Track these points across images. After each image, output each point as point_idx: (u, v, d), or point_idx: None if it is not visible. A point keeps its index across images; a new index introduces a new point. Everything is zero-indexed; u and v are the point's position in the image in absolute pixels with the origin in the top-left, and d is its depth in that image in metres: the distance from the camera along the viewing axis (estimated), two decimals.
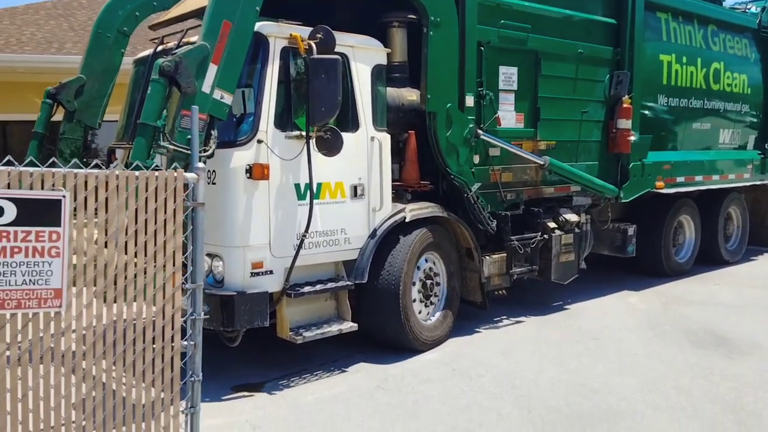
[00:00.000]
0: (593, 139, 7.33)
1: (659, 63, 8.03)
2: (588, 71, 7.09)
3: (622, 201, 7.61)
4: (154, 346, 3.18)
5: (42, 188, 2.87)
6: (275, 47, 4.82)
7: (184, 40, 5.23)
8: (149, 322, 3.16)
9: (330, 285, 5.16)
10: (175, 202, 3.19)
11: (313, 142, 4.77)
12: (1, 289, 2.80)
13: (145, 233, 3.13)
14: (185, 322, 3.31)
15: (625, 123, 7.32)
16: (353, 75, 5.27)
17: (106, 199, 3.01)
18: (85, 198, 2.96)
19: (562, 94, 6.87)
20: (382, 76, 5.51)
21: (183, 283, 3.28)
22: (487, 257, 6.14)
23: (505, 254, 6.33)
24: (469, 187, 5.90)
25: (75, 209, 2.95)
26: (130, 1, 5.07)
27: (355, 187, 5.27)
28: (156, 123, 4.30)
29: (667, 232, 8.49)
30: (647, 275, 8.45)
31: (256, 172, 4.66)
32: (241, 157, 4.66)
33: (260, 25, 4.77)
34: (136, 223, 3.09)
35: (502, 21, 6.18)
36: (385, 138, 5.47)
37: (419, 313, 5.65)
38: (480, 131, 6.02)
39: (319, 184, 5.02)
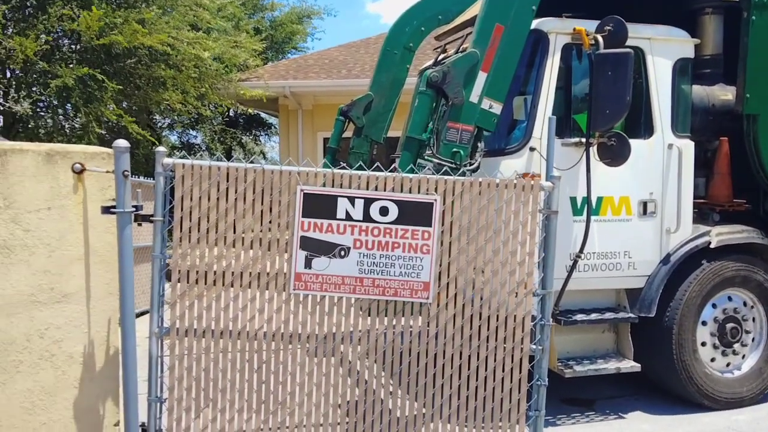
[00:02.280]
0: None
1: None
2: None
3: None
4: (504, 345, 3.33)
5: (418, 192, 3.27)
6: (556, 44, 4.47)
7: (463, 46, 5.00)
8: (501, 322, 3.32)
9: (608, 315, 4.58)
10: (530, 209, 3.30)
11: (594, 149, 4.27)
12: (383, 278, 3.27)
13: (500, 237, 3.31)
14: (534, 326, 3.39)
15: None
16: (649, 71, 4.64)
17: (467, 202, 3.28)
18: (452, 202, 3.27)
19: None
20: (686, 72, 4.76)
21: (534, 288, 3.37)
22: None
23: None
24: None
25: (443, 212, 3.28)
26: (417, 16, 5.00)
27: (645, 204, 4.61)
28: (421, 136, 4.23)
29: None
30: None
31: None
32: (511, 165, 4.30)
33: (540, 22, 4.45)
34: (492, 227, 3.30)
35: None
36: (687, 146, 4.71)
37: (712, 361, 4.73)
38: None
39: (600, 198, 4.51)
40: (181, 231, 3.19)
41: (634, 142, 4.30)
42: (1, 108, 10.11)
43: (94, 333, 3.24)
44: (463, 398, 3.32)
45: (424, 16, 4.97)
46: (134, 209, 3.15)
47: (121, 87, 10.02)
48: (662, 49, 4.69)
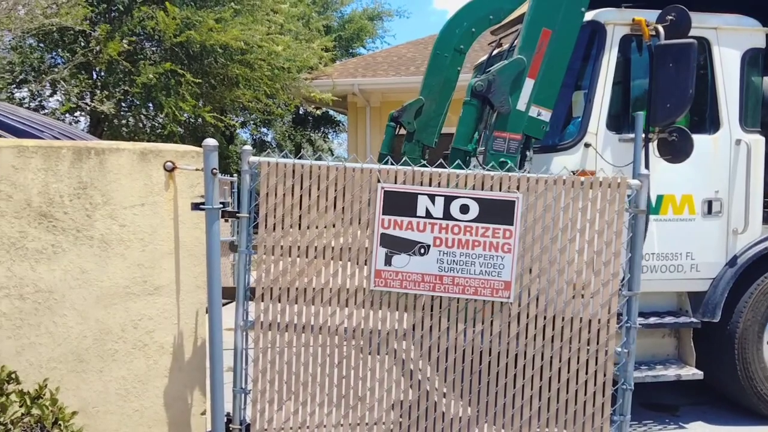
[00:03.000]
0: None
1: None
2: None
3: None
4: (588, 347, 3.25)
5: (500, 190, 3.22)
6: (613, 36, 4.30)
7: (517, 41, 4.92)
8: (585, 324, 3.24)
9: (668, 320, 4.38)
10: (616, 207, 3.20)
11: (654, 145, 4.08)
12: (463, 277, 3.25)
13: (585, 237, 3.23)
14: (620, 328, 3.29)
15: None
16: (715, 63, 4.42)
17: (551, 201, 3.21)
18: (535, 199, 3.21)
19: None
20: (757, 63, 4.50)
21: (619, 289, 3.27)
22: None
23: None
24: None
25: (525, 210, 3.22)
26: (467, 17, 4.83)
27: (710, 202, 4.38)
28: (467, 147, 4.14)
29: None
30: None
31: None
32: (564, 162, 4.17)
33: (597, 13, 4.31)
34: (576, 226, 3.21)
35: None
36: (757, 141, 4.49)
37: None
38: None
39: (660, 197, 4.31)
40: (265, 227, 3.27)
41: (698, 138, 4.12)
42: (88, 108, 10.66)
43: (183, 324, 3.37)
44: (544, 400, 3.26)
45: (475, 17, 4.82)
46: (221, 206, 3.25)
47: (199, 81, 10.38)
48: (730, 39, 4.47)
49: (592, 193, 3.21)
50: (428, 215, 3.25)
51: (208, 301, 3.27)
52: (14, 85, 10.58)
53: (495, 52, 5.29)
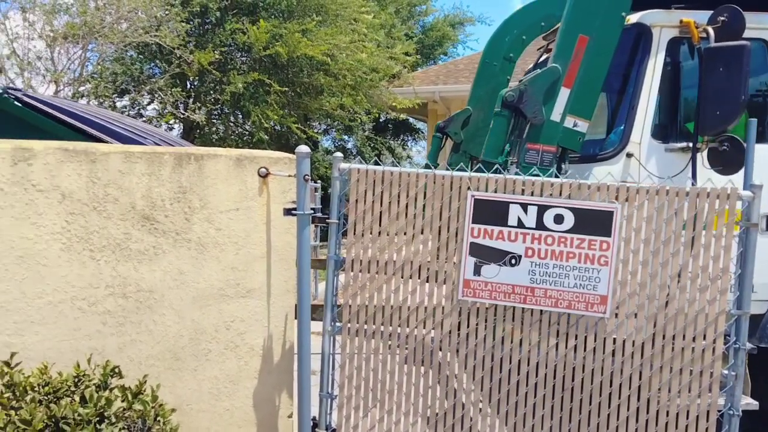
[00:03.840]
0: None
1: None
2: None
3: None
4: (691, 368, 3.05)
5: (597, 200, 3.09)
6: (660, 39, 4.02)
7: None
8: (688, 343, 3.05)
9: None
10: (726, 221, 3.00)
11: (702, 155, 3.80)
12: (556, 289, 3.13)
13: (690, 251, 3.04)
14: (727, 349, 3.08)
15: None
16: None
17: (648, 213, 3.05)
18: (635, 210, 3.06)
19: None
20: None
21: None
22: None
23: None
24: None
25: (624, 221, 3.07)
26: (517, 25, 4.69)
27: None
28: (497, 160, 3.98)
29: None
30: None
31: None
32: (603, 173, 3.89)
33: (642, 15, 4.05)
34: (680, 239, 3.04)
35: None
36: None
37: None
38: None
39: None
40: (354, 233, 3.28)
41: (759, 147, 3.77)
42: (182, 116, 11.18)
43: (273, 327, 3.43)
44: (642, 422, 3.08)
45: (525, 23, 4.64)
46: (312, 211, 3.29)
47: (284, 90, 10.68)
48: None
49: (699, 204, 3.02)
50: (520, 225, 3.16)
51: (298, 305, 3.31)
52: (116, 95, 11.24)
53: (543, 58, 5.07)
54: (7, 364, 2.61)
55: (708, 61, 3.77)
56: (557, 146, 3.94)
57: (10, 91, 4.22)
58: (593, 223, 3.09)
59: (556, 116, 3.93)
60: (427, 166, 5.50)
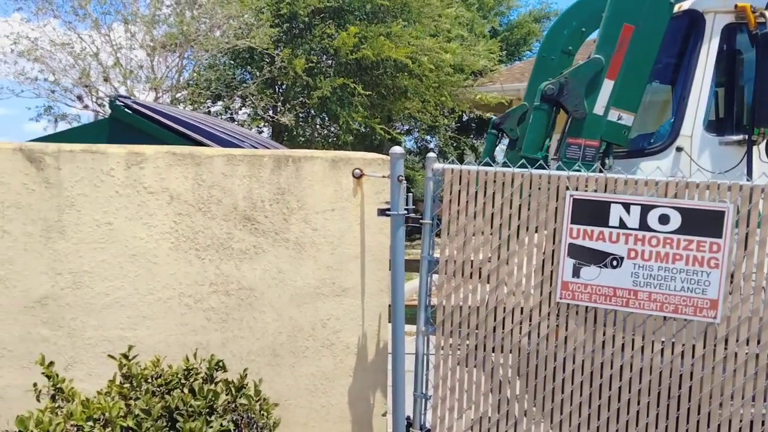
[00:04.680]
0: None
1: None
2: None
3: None
4: None
5: (706, 199, 2.93)
6: (714, 25, 3.80)
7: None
8: None
9: None
10: None
11: (761, 148, 3.57)
12: (662, 293, 3.00)
13: None
14: None
15: None
16: None
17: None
18: (749, 211, 2.88)
19: None
20: None
21: None
22: None
23: None
24: None
25: (737, 222, 2.90)
26: (576, 16, 4.50)
27: None
28: (537, 155, 3.82)
29: None
30: None
31: None
32: (651, 168, 3.66)
33: (695, 1, 3.84)
34: None
35: None
36: None
37: None
38: None
39: None
40: (447, 234, 3.27)
41: None
42: (272, 119, 11.54)
43: (367, 326, 3.47)
44: None
45: (584, 15, 4.45)
46: (406, 212, 3.31)
47: (369, 93, 10.82)
48: None
49: None
50: (622, 225, 3.04)
51: (392, 304, 3.34)
52: (210, 100, 11.75)
53: None
54: (126, 356, 2.78)
55: (762, 48, 3.61)
56: (600, 140, 3.83)
57: (120, 99, 4.50)
58: (702, 223, 2.93)
59: (599, 109, 3.82)
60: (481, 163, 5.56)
